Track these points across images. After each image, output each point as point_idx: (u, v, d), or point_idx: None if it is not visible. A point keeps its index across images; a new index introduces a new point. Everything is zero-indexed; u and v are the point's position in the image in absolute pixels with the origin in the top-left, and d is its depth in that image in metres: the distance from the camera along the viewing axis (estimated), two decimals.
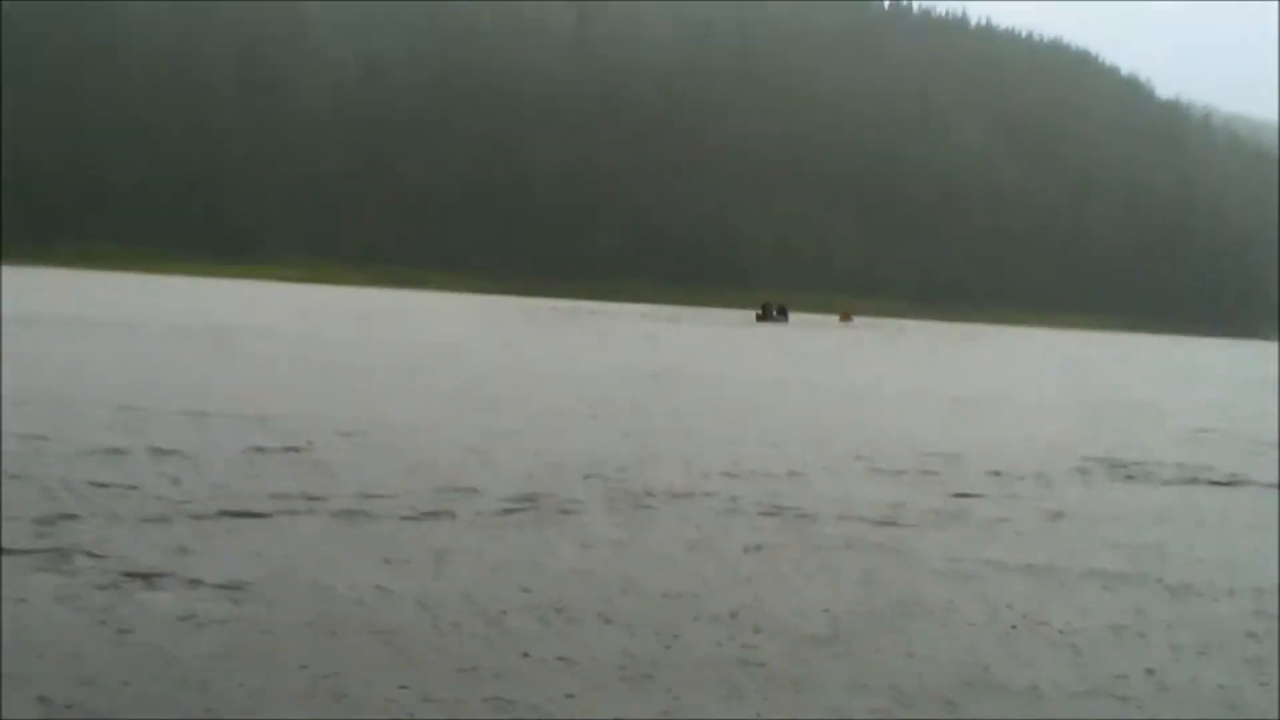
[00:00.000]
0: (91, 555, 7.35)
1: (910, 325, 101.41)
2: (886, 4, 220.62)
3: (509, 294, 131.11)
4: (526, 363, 25.37)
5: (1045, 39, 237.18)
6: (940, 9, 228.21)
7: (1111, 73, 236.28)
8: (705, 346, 36.53)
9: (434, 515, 9.16)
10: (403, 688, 5.35)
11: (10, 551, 7.40)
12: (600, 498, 9.94)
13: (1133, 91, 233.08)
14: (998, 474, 12.35)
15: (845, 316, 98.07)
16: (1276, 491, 12.23)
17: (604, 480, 10.79)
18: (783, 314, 77.39)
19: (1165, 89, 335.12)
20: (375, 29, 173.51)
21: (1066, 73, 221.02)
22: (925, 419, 17.54)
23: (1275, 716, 5.26)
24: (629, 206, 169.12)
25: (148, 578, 6.90)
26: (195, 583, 6.86)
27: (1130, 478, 12.77)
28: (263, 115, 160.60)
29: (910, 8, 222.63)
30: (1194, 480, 12.86)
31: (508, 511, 9.48)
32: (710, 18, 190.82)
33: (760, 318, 76.00)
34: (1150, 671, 6.22)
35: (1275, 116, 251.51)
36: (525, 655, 5.91)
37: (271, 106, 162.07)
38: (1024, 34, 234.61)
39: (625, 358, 28.62)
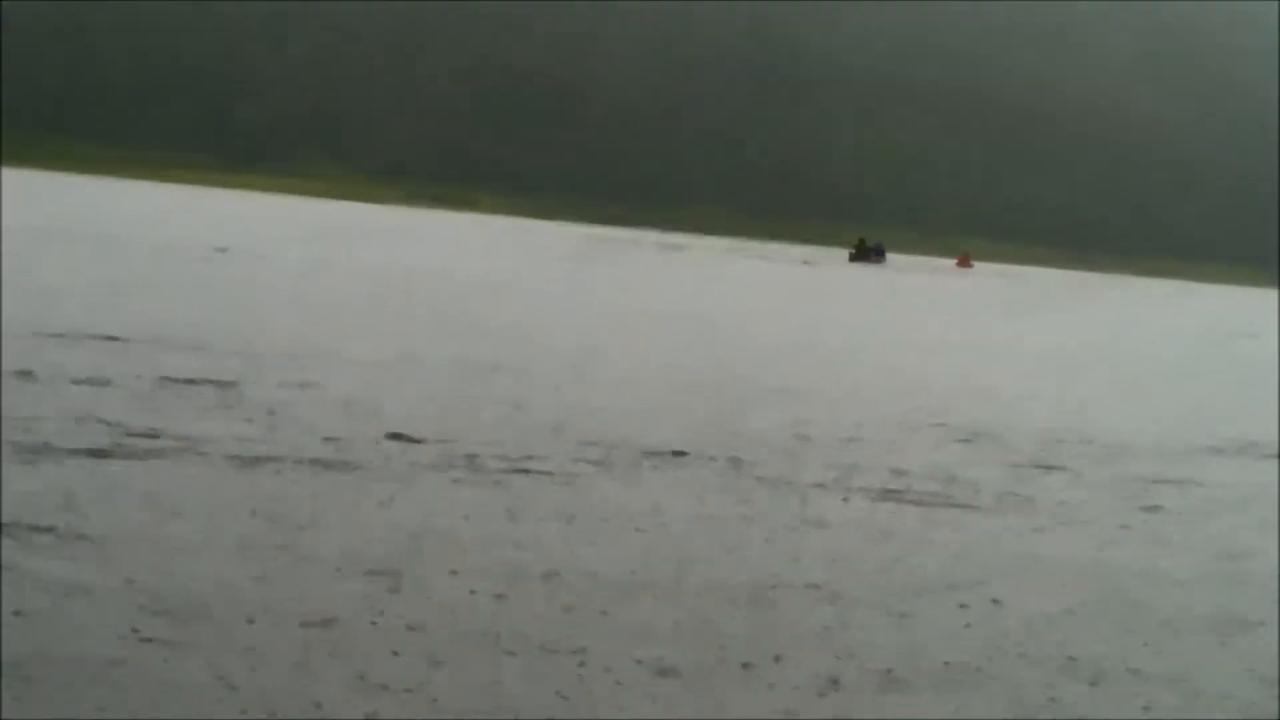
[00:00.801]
0: None
1: (1038, 275, 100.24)
2: None
3: (568, 220, 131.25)
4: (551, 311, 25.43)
5: None
6: None
7: None
8: (787, 297, 36.45)
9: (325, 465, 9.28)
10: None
11: None
12: None
13: None
14: None
15: (964, 261, 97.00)
16: None
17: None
18: (879, 254, 76.76)
19: None
20: None
21: None
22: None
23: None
24: (712, 126, 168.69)
25: None
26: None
27: None
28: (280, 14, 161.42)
29: None
30: None
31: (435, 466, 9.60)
32: None
33: (854, 256, 75.62)
34: None
35: None
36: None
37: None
38: None
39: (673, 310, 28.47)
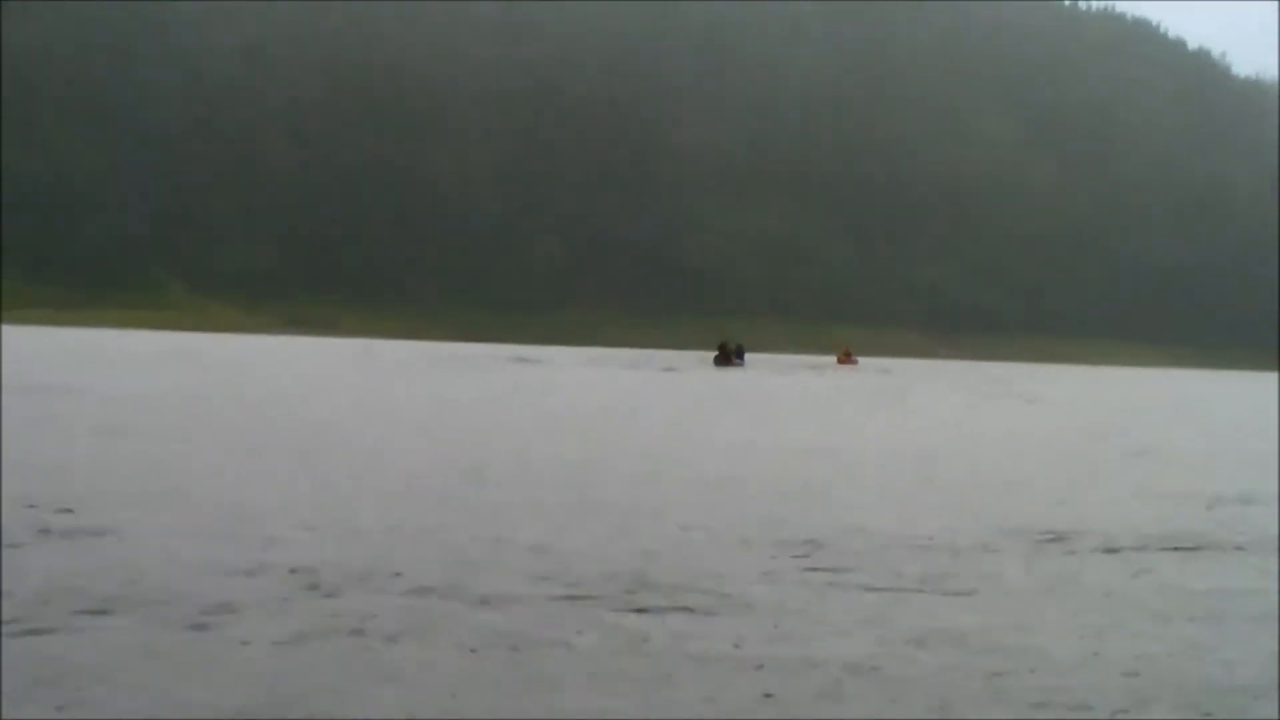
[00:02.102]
0: None
1: (925, 368, 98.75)
2: None
3: (432, 338, 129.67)
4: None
5: (1093, 8, 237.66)
6: None
7: (1176, 47, 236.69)
8: (627, 403, 33.98)
9: None
10: None
11: None
12: None
13: (1202, 69, 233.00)
14: None
15: (846, 356, 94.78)
16: None
17: None
18: (740, 355, 75.09)
19: (1244, 65, 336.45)
20: (253, 16, 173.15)
21: (1118, 47, 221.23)
22: None
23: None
24: (570, 225, 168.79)
25: None
26: None
27: None
28: (123, 123, 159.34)
29: None
30: None
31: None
32: (668, 7, 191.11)
33: (720, 360, 73.75)
34: None
35: None
36: None
37: (131, 113, 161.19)
38: (1063, 3, 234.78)
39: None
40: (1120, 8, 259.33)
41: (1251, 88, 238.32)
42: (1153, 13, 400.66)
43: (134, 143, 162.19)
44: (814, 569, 9.62)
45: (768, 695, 6.39)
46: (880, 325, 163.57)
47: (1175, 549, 11.28)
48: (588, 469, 16.45)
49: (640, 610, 8.04)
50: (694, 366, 68.86)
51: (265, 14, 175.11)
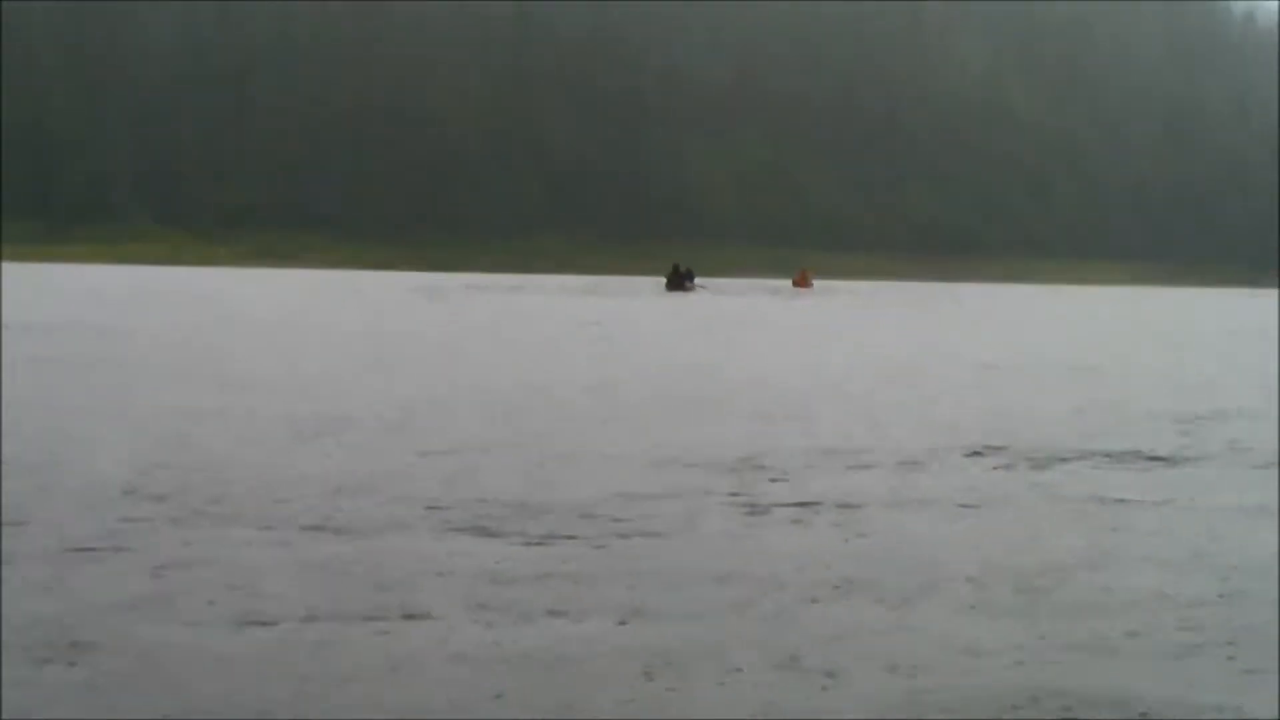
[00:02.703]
0: None
1: (891, 289, 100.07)
2: None
3: (402, 267, 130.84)
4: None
5: None
6: None
7: None
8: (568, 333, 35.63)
9: None
10: None
11: None
12: None
13: None
14: None
15: (802, 280, 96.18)
16: None
17: None
18: (690, 279, 76.73)
19: None
20: None
21: None
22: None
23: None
24: (551, 153, 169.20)
25: None
26: None
27: None
28: (96, 58, 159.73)
29: None
30: None
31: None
32: None
33: (671, 284, 75.38)
34: None
35: None
36: None
37: (105, 48, 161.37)
38: None
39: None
40: None
41: (1226, 13, 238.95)
42: None
43: (113, 81, 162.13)
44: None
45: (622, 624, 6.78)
46: (861, 250, 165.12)
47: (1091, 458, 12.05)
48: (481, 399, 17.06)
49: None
50: (649, 292, 70.60)
51: None
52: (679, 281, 75.13)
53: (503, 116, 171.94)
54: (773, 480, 10.89)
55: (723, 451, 12.25)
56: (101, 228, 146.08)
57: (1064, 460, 12.26)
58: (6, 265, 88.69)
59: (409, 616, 6.74)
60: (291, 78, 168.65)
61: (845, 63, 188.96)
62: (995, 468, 11.90)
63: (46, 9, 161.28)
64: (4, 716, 4.90)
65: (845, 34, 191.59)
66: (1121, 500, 10.39)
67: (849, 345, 31.17)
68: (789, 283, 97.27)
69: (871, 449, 12.67)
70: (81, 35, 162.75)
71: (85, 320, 34.57)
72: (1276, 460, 12.47)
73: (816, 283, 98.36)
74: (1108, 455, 12.66)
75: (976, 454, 12.62)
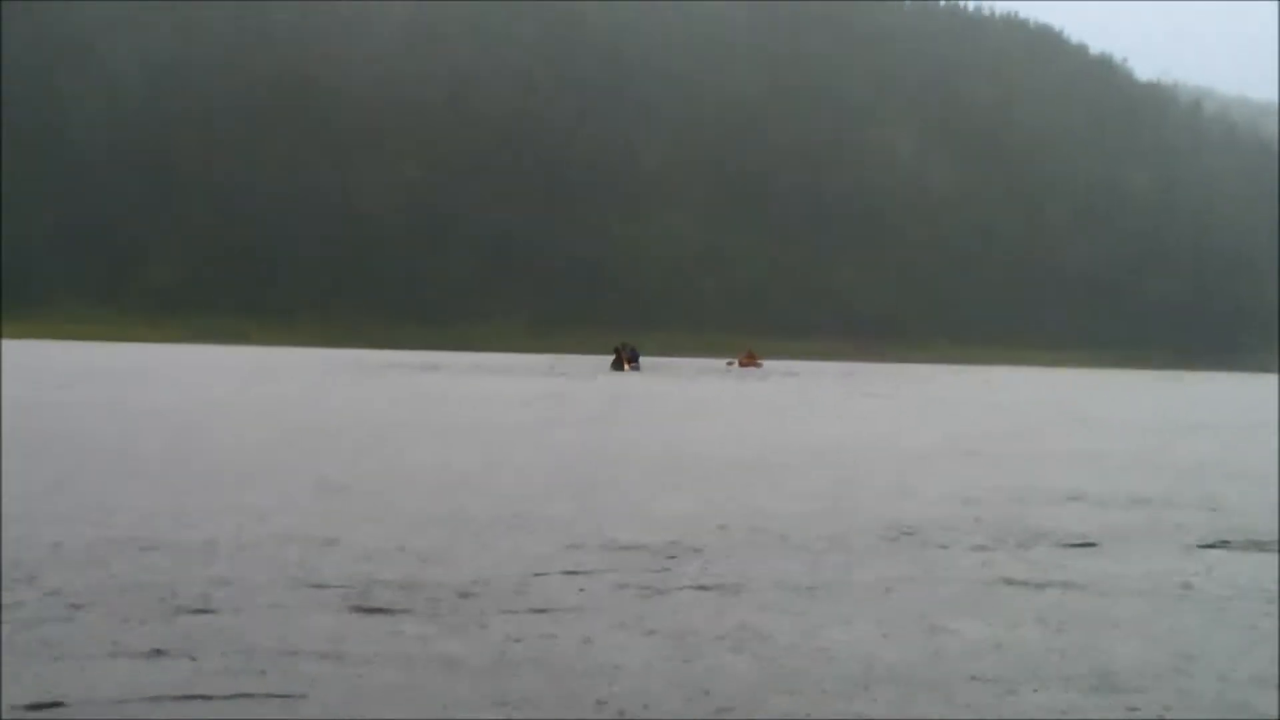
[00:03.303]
0: None
1: (824, 370, 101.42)
2: None
3: (341, 345, 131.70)
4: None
5: (995, 13, 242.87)
6: None
7: (1078, 52, 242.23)
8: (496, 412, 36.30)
9: None
10: None
11: None
12: None
13: (1105, 73, 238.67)
14: None
15: (749, 359, 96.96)
16: None
17: None
18: (634, 359, 77.39)
19: (1146, 69, 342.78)
20: (162, 27, 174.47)
21: (1020, 53, 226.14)
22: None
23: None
24: (488, 236, 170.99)
25: None
26: None
27: None
28: (28, 134, 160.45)
29: None
30: None
31: None
32: (577, 14, 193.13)
33: (616, 364, 76.14)
34: None
35: (1278, 100, 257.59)
36: None
37: (41, 126, 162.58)
38: (967, 7, 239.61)
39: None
40: (1024, 12, 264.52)
41: (1152, 91, 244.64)
42: (1055, 17, 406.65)
43: (42, 156, 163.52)
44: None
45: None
46: (792, 333, 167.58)
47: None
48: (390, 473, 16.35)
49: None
50: (590, 372, 70.98)
51: (178, 24, 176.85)
52: (622, 362, 75.80)
53: (436, 202, 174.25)
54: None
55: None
56: (26, 307, 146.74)
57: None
58: None
59: None
60: (218, 157, 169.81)
61: (773, 144, 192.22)
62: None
63: None
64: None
65: (774, 116, 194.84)
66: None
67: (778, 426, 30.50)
68: (724, 363, 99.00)
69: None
70: (9, 115, 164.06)
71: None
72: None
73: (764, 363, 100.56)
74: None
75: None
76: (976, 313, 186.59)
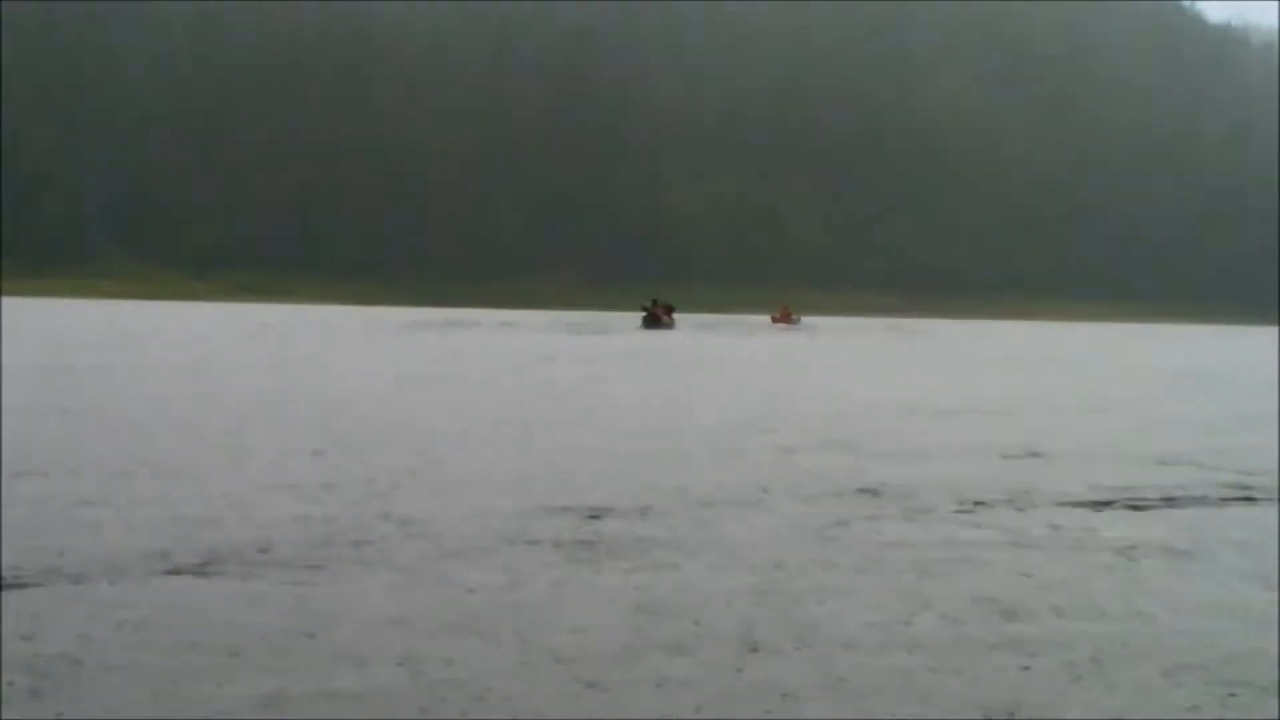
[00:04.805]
0: None
1: (874, 326, 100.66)
2: None
3: (387, 304, 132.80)
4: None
5: None
6: None
7: None
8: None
9: None
10: None
11: None
12: None
13: (1175, 18, 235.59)
14: None
15: (784, 315, 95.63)
16: None
17: None
18: (666, 315, 76.78)
19: (1218, 12, 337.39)
20: None
21: None
22: None
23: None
24: (536, 191, 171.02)
25: None
26: None
27: None
28: (72, 95, 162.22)
29: None
30: None
31: None
32: None
33: (648, 321, 75.71)
34: None
35: None
36: None
37: (86, 85, 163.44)
38: None
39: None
40: None
41: (1224, 35, 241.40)
42: None
43: (87, 117, 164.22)
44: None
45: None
46: (845, 287, 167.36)
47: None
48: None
49: None
50: (626, 328, 70.75)
51: None
52: (656, 319, 76.45)
53: (487, 157, 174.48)
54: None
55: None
56: (77, 265, 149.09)
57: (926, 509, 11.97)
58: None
59: None
60: (267, 115, 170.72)
61: (830, 96, 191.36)
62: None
63: (18, 47, 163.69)
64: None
65: (830, 66, 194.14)
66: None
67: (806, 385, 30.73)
68: (768, 319, 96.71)
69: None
70: (55, 72, 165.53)
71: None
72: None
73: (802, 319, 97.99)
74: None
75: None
76: (1042, 266, 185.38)
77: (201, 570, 8.63)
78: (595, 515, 11.07)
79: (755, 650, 7.21)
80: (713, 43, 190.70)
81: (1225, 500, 13.07)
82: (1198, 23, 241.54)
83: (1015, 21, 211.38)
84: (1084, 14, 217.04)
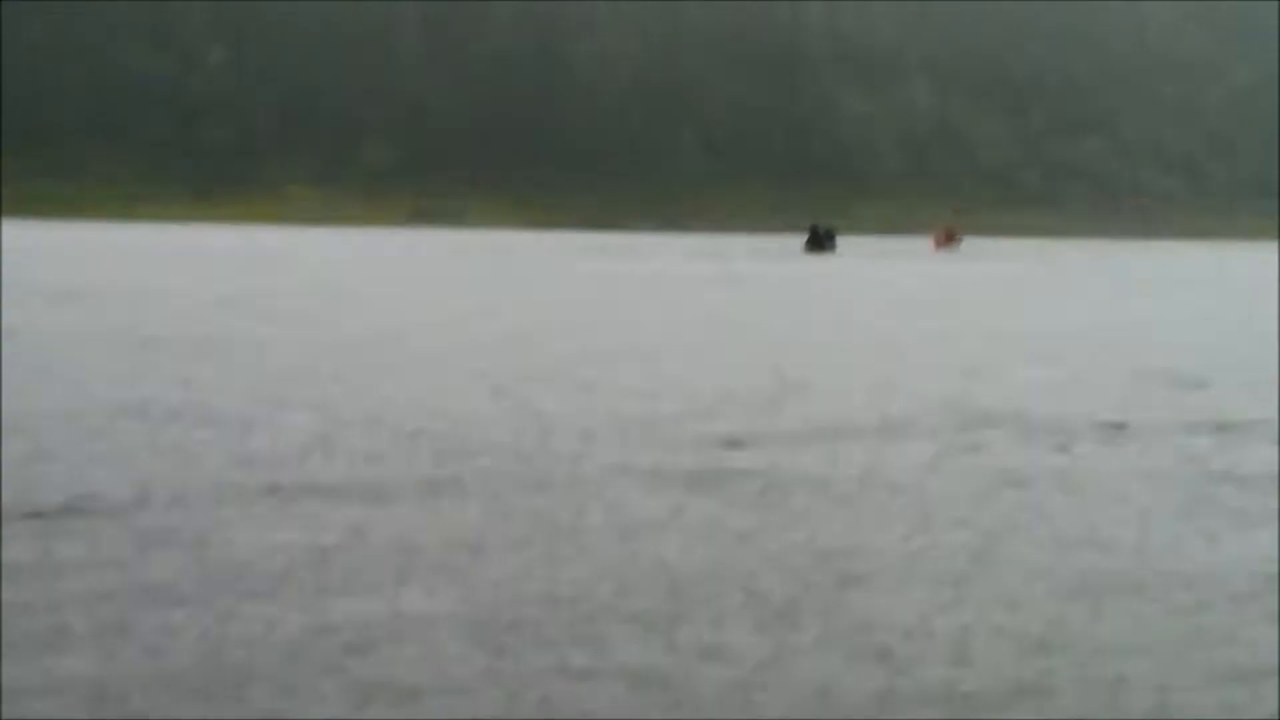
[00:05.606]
0: None
1: (1051, 250, 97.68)
2: None
3: (567, 227, 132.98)
4: None
5: None
6: None
7: None
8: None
9: None
10: None
11: None
12: None
13: None
14: None
15: (947, 238, 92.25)
16: None
17: None
18: (830, 240, 76.26)
19: None
20: None
21: None
22: None
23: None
24: (709, 112, 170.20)
25: None
26: None
27: None
28: (246, 20, 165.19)
29: None
30: None
31: None
32: None
33: (810, 246, 75.44)
34: None
35: None
36: None
37: (255, 9, 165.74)
38: None
39: None
40: None
41: None
42: None
43: (257, 39, 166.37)
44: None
45: None
46: (1030, 206, 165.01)
47: None
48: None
49: None
50: (788, 254, 70.05)
51: None
52: (819, 243, 76.02)
53: (659, 75, 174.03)
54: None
55: None
56: (249, 188, 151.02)
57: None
58: (160, 227, 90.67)
59: None
60: (440, 35, 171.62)
61: (1016, 14, 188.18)
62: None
63: None
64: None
65: None
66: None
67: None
68: (929, 243, 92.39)
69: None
70: None
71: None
72: None
73: (968, 242, 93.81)
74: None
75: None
76: (1237, 185, 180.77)
77: None
78: None
79: None
80: None
81: None
82: None
83: None
84: None
